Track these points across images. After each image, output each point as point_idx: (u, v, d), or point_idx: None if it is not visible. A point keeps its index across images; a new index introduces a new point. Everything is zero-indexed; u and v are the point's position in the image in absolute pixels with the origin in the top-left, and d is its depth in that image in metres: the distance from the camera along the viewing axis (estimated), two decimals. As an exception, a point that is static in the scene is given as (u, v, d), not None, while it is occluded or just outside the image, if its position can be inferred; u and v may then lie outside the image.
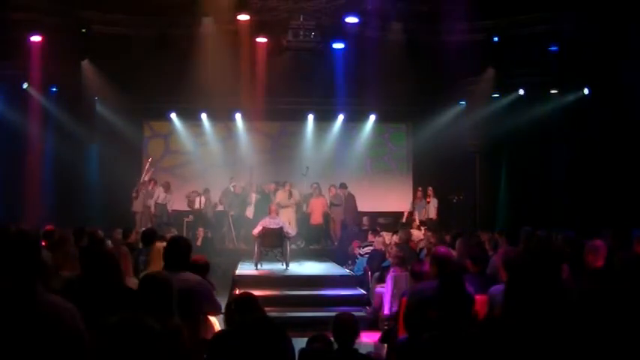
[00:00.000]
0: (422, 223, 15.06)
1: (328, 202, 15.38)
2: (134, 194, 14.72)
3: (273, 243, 11.40)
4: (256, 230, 11.39)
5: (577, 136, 14.43)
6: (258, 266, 11.26)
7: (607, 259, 5.18)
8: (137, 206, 14.66)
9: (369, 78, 14.57)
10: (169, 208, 15.02)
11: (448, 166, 16.53)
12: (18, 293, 2.30)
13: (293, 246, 12.72)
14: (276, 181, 15.49)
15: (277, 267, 11.45)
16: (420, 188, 16.24)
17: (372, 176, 17.70)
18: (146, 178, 14.92)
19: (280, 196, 14.70)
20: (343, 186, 15.51)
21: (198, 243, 13.44)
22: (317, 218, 15.06)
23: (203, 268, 5.24)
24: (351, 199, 15.46)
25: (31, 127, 14.05)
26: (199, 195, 15.20)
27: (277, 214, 12.05)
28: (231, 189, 15.33)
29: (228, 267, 11.25)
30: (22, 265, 2.34)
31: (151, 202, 14.65)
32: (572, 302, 3.34)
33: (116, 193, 14.95)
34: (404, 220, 15.22)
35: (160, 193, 14.77)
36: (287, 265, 11.35)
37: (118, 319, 2.64)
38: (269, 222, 11.40)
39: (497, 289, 4.37)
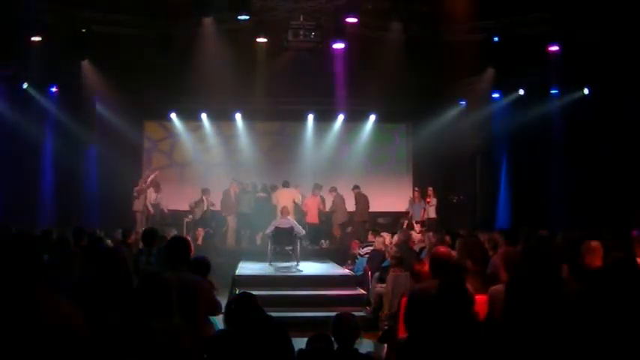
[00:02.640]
0: (421, 223, 15.09)
1: (326, 202, 15.38)
2: (135, 194, 14.69)
3: (285, 242, 11.94)
4: (269, 230, 12.03)
5: (577, 136, 14.44)
6: (272, 263, 11.76)
7: (605, 260, 5.18)
8: (137, 205, 14.65)
9: (369, 78, 14.56)
10: (163, 208, 14.94)
11: (448, 166, 16.54)
12: (19, 295, 2.30)
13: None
14: (273, 184, 15.42)
15: (287, 265, 11.78)
16: (416, 189, 16.28)
17: (372, 176, 17.69)
18: (148, 181, 14.85)
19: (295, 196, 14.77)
20: (356, 187, 15.45)
21: (199, 242, 13.46)
22: (312, 217, 15.05)
23: (204, 268, 5.25)
24: (362, 198, 15.45)
25: (31, 127, 14.05)
26: (202, 200, 15.14)
27: (289, 214, 12.61)
28: (231, 190, 15.29)
29: (228, 267, 11.26)
30: (23, 267, 2.34)
31: (148, 203, 14.62)
32: (571, 302, 3.35)
33: (116, 193, 14.95)
34: (405, 225, 15.16)
35: (151, 194, 14.73)
36: (298, 262, 11.77)
37: (120, 320, 2.64)
38: (280, 222, 12.06)
39: (498, 289, 4.38)
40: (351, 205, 15.48)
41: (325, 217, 15.49)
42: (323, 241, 15.31)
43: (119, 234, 9.99)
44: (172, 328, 3.27)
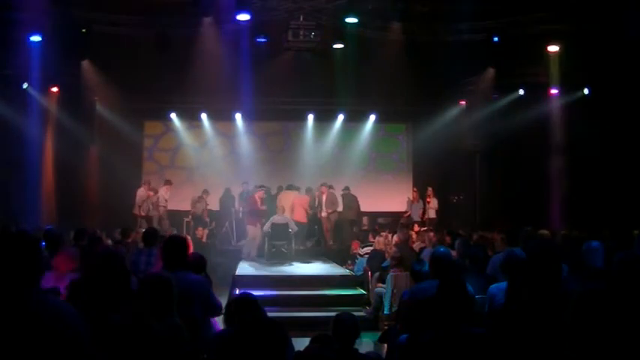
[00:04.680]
0: (420, 223, 15.07)
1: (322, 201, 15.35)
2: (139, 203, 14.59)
3: (281, 237, 12.58)
4: (266, 226, 12.58)
5: (577, 136, 14.43)
6: (267, 259, 12.39)
7: (606, 260, 5.18)
8: (137, 209, 14.66)
9: (369, 78, 14.56)
10: (154, 206, 14.76)
11: (448, 166, 16.54)
12: (17, 294, 2.30)
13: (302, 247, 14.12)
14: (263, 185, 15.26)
15: (283, 262, 12.21)
16: (414, 189, 16.26)
17: (372, 176, 17.71)
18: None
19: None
20: (346, 189, 15.40)
21: (204, 240, 13.48)
22: (298, 216, 14.93)
23: (200, 264, 5.24)
24: (352, 199, 15.38)
25: (31, 127, 14.04)
26: (203, 198, 15.10)
27: (284, 212, 13.12)
28: (231, 191, 15.24)
29: (228, 267, 11.27)
30: (22, 266, 2.34)
31: (140, 207, 14.47)
32: (571, 302, 3.34)
33: (116, 193, 14.95)
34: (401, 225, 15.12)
35: (160, 193, 14.62)
36: (292, 259, 12.42)
37: (119, 320, 2.64)
38: (277, 218, 12.67)
39: (498, 288, 4.38)
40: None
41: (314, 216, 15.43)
42: (307, 240, 15.16)
43: (119, 234, 9.99)
44: (172, 328, 3.27)
